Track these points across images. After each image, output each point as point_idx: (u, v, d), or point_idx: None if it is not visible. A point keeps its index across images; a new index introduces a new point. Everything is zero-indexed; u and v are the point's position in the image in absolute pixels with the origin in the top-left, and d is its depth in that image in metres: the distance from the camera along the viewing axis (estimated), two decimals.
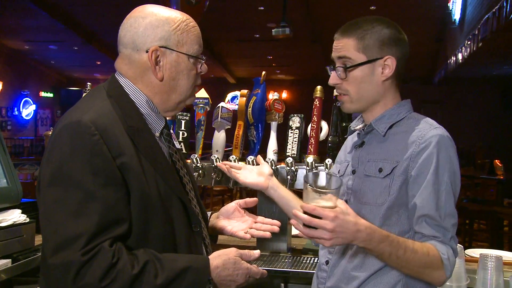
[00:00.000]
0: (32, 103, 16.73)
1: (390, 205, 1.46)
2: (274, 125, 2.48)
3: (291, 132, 2.46)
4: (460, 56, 8.98)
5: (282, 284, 2.22)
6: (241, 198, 7.81)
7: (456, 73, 11.14)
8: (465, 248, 2.12)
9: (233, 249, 1.43)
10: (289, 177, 2.34)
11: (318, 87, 2.38)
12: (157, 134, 1.44)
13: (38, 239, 2.52)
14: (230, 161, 2.43)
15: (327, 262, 1.59)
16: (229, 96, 2.75)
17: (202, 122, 2.58)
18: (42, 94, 17.49)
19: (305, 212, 1.29)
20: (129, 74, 1.42)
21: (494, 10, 6.04)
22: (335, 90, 2.23)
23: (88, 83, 2.77)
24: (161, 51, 1.38)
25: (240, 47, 13.37)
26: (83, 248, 1.17)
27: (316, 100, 2.38)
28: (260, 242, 2.45)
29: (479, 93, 15.42)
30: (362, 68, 1.50)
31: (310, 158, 2.32)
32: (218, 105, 2.54)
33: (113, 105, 1.35)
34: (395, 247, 1.36)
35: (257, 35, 12.24)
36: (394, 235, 1.39)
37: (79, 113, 1.30)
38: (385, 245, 1.35)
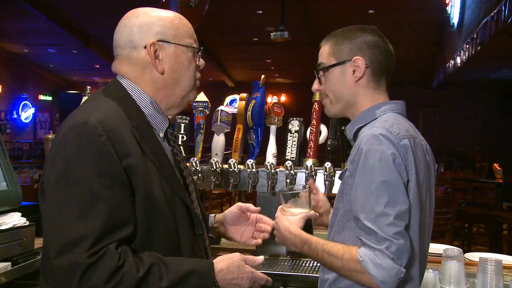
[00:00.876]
0: (31, 106, 16.72)
1: (344, 209, 1.47)
2: (273, 128, 2.48)
3: (290, 136, 2.47)
4: (458, 59, 9.00)
5: None
6: (239, 201, 7.79)
7: (455, 76, 11.15)
8: (464, 252, 2.12)
9: (237, 254, 1.43)
10: (288, 180, 2.35)
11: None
12: (161, 134, 1.46)
13: (38, 242, 2.52)
14: (230, 164, 2.44)
15: None
16: (228, 99, 2.76)
17: (202, 126, 2.59)
18: (41, 97, 17.48)
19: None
20: (130, 75, 1.43)
21: (492, 14, 6.05)
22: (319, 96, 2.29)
23: (88, 86, 2.78)
24: (159, 45, 1.39)
25: (238, 50, 13.39)
26: (89, 250, 1.17)
27: (315, 103, 2.39)
28: (260, 246, 2.45)
29: (478, 96, 15.45)
30: (332, 70, 1.54)
31: (309, 162, 2.33)
32: (218, 109, 2.54)
33: (117, 107, 1.36)
34: (314, 250, 1.47)
35: (255, 39, 12.26)
36: (316, 238, 1.49)
37: (85, 114, 1.29)
38: (306, 248, 1.50)
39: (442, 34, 11.77)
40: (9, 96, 15.76)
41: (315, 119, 2.38)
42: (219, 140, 2.52)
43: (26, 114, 16.63)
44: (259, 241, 1.73)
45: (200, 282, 1.30)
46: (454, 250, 1.92)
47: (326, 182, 2.29)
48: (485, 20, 6.50)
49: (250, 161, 2.42)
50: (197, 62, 1.48)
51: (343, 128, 2.33)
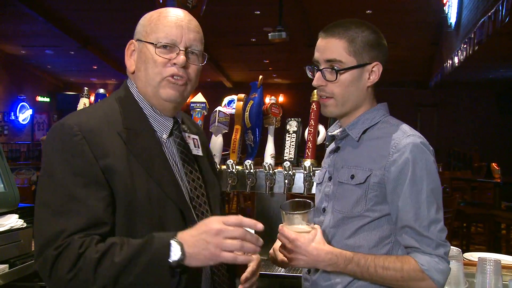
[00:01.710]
0: (28, 107, 16.70)
1: (368, 214, 1.45)
2: (271, 129, 2.48)
3: (289, 136, 2.46)
4: (456, 59, 9.01)
5: None
6: (238, 202, 7.71)
7: (452, 76, 11.17)
8: (463, 252, 2.12)
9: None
10: (286, 181, 2.34)
11: (315, 91, 2.39)
12: (165, 136, 1.43)
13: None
14: (228, 165, 2.43)
15: (309, 271, 1.59)
16: (226, 100, 2.75)
17: (200, 126, 2.58)
18: (39, 98, 17.46)
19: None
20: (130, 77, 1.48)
21: (489, 14, 6.06)
22: (315, 92, 2.23)
23: (85, 87, 2.77)
24: (134, 44, 1.43)
25: (236, 51, 13.39)
26: (56, 244, 1.19)
27: (314, 104, 2.38)
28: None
29: (475, 96, 15.48)
30: (351, 72, 1.47)
31: (307, 162, 2.32)
32: (215, 110, 2.54)
33: (115, 109, 1.37)
34: (363, 266, 1.40)
35: (253, 39, 12.26)
36: (362, 254, 1.41)
37: (68, 117, 1.33)
38: (352, 266, 1.40)
39: (439, 34, 11.79)
40: (6, 97, 15.74)
41: (313, 120, 2.37)
42: (217, 141, 2.51)
43: (24, 115, 16.61)
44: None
45: (157, 245, 1.17)
46: (453, 250, 1.91)
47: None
48: (482, 20, 6.50)
49: (248, 162, 2.41)
50: (173, 60, 1.39)
51: None
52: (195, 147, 1.54)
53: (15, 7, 9.91)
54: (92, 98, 2.74)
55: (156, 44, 1.38)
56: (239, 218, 1.22)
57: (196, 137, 1.57)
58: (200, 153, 1.55)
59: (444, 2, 9.79)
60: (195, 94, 2.26)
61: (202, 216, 1.41)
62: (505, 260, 2.28)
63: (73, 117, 1.32)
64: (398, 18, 10.01)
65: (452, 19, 9.55)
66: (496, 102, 15.27)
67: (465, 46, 7.94)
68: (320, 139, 2.39)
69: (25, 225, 2.28)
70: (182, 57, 1.38)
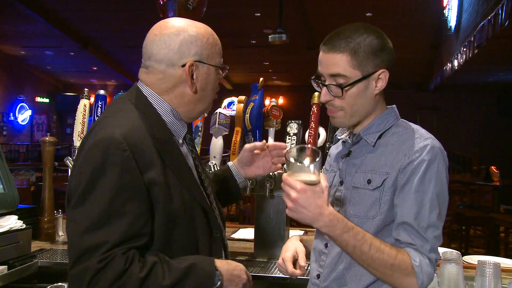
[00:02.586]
0: (28, 108, 16.70)
1: (382, 217, 1.43)
2: (271, 131, 2.48)
3: (289, 139, 2.46)
4: (456, 62, 9.02)
5: None
6: (237, 204, 7.69)
7: (452, 79, 11.18)
8: (462, 255, 2.12)
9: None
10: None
11: (316, 94, 2.38)
12: (180, 140, 1.50)
13: (34, 245, 2.51)
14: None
15: (318, 276, 1.57)
16: (226, 102, 2.75)
17: (200, 128, 2.58)
18: (38, 99, 17.46)
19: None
20: (157, 87, 1.46)
21: (489, 17, 6.07)
22: (316, 94, 2.25)
23: (85, 88, 2.77)
24: (195, 65, 1.45)
25: (236, 53, 13.39)
26: (100, 257, 1.21)
27: (314, 106, 2.38)
28: (258, 249, 2.44)
29: (475, 99, 15.49)
30: (358, 85, 1.44)
31: None
32: (216, 111, 2.54)
33: (141, 118, 1.40)
34: (360, 240, 1.35)
35: (253, 41, 12.28)
36: (362, 230, 1.38)
37: (111, 128, 1.33)
38: (348, 236, 1.35)
39: (439, 37, 11.80)
40: (6, 98, 15.74)
41: (313, 122, 2.37)
42: (217, 143, 2.51)
43: (23, 116, 16.61)
44: (279, 165, 1.83)
45: (203, 272, 1.33)
46: (452, 253, 1.91)
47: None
48: (482, 23, 6.51)
49: None
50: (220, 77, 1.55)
51: None
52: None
53: (15, 8, 9.92)
54: (92, 99, 2.74)
55: (219, 66, 1.51)
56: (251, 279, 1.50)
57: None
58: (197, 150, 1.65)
59: (444, 5, 9.81)
60: None
61: (214, 212, 1.52)
62: (504, 263, 2.28)
63: (117, 129, 1.32)
64: (398, 21, 10.02)
65: (452, 22, 9.55)
66: (496, 105, 15.29)
67: (465, 49, 7.94)
68: (320, 141, 2.39)
69: (24, 226, 2.28)
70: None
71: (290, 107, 16.60)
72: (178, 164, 1.42)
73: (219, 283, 1.35)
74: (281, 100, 17.17)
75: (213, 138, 2.53)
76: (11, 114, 16.09)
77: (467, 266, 2.18)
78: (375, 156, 1.49)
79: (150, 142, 1.35)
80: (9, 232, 2.18)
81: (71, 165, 2.43)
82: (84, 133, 2.51)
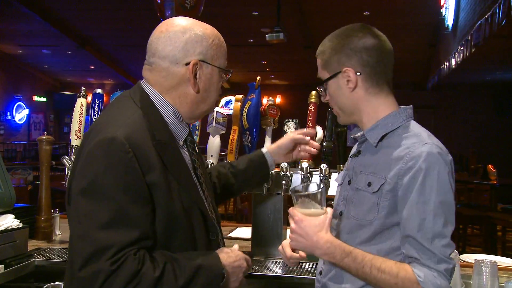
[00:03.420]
0: (25, 107, 16.65)
1: (380, 222, 1.42)
2: (269, 130, 2.48)
3: None
4: (453, 61, 9.03)
5: None
6: (235, 203, 7.70)
7: (449, 78, 11.20)
8: (459, 253, 2.12)
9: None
10: (283, 182, 2.34)
11: (313, 92, 2.38)
12: (181, 142, 1.50)
13: (31, 245, 2.51)
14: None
15: (320, 273, 1.58)
16: (223, 100, 2.75)
17: (197, 127, 2.58)
18: (35, 98, 17.41)
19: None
20: (160, 85, 1.46)
21: (486, 17, 6.08)
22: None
23: (82, 87, 2.76)
24: (199, 65, 1.46)
25: (234, 52, 13.36)
26: (111, 258, 1.21)
27: (311, 105, 2.38)
28: (255, 248, 2.44)
29: (472, 98, 15.51)
30: (330, 84, 1.53)
31: (305, 163, 2.32)
32: (213, 110, 2.53)
33: (143, 118, 1.39)
34: (360, 263, 1.37)
35: (251, 40, 12.27)
36: (361, 251, 1.39)
37: (113, 128, 1.32)
38: (348, 260, 1.38)
39: (437, 36, 11.81)
40: (3, 97, 15.70)
41: (310, 121, 2.37)
42: (214, 142, 2.51)
43: (20, 115, 16.57)
44: (314, 150, 1.99)
45: (212, 273, 1.37)
46: None
47: (322, 183, 2.29)
48: (479, 22, 6.52)
49: None
50: (222, 81, 1.56)
51: (339, 130, 2.33)
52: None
53: (12, 7, 9.89)
54: (89, 98, 2.74)
55: (226, 70, 1.54)
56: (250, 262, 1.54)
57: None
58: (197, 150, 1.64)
59: (441, 4, 9.82)
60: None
61: (211, 214, 1.53)
62: (501, 261, 2.28)
63: (120, 130, 1.31)
64: (396, 20, 10.03)
65: (449, 21, 9.56)
66: (493, 104, 15.31)
67: (462, 48, 7.96)
68: (317, 140, 2.39)
69: (21, 225, 2.28)
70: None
71: (288, 106, 16.60)
72: (178, 166, 1.42)
73: (224, 278, 1.40)
74: (278, 99, 17.17)
75: (210, 137, 2.53)
76: (8, 113, 16.04)
77: (464, 265, 2.18)
78: (376, 158, 1.48)
79: (151, 144, 1.35)
80: (6, 231, 2.18)
81: (68, 164, 2.43)
82: (81, 132, 2.50)
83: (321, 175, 2.28)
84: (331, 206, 1.58)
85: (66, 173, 2.42)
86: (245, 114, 2.46)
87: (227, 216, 7.69)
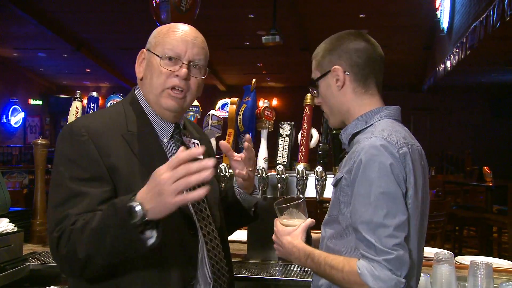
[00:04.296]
0: (20, 110, 16.61)
1: (343, 217, 1.45)
2: (264, 132, 2.48)
3: (282, 140, 2.46)
4: (448, 64, 9.06)
5: None
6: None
7: (445, 80, 11.24)
8: (455, 255, 2.12)
9: None
10: (279, 184, 2.34)
11: (309, 95, 2.39)
12: (166, 140, 1.55)
13: (26, 249, 2.50)
14: (221, 169, 2.43)
15: None
16: (219, 103, 2.75)
17: None
18: (31, 101, 17.37)
19: None
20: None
21: (481, 19, 6.11)
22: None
23: (78, 91, 2.76)
24: (144, 53, 1.56)
25: (230, 54, 13.39)
26: (58, 227, 1.33)
27: (306, 107, 2.39)
28: (251, 251, 2.44)
29: (468, 100, 15.56)
30: (321, 84, 1.58)
31: (300, 166, 2.32)
32: (209, 113, 2.54)
33: (120, 114, 1.51)
34: (316, 263, 1.43)
35: (247, 43, 12.28)
36: (318, 251, 1.46)
37: (78, 119, 1.50)
38: (309, 262, 1.46)
39: (432, 39, 11.86)
40: None
41: (306, 123, 2.38)
42: None
43: (16, 118, 16.52)
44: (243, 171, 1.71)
45: (121, 210, 1.23)
46: (445, 253, 1.92)
47: (318, 186, 2.29)
48: (474, 24, 6.55)
49: None
50: (176, 71, 1.49)
51: (334, 132, 2.33)
52: (194, 146, 1.63)
53: (7, 9, 9.87)
54: (85, 101, 2.73)
55: (161, 56, 1.50)
56: (180, 155, 1.21)
57: (197, 141, 1.65)
58: (201, 157, 1.55)
59: (437, 6, 9.86)
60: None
61: (200, 213, 1.53)
62: (497, 263, 2.29)
63: (81, 120, 1.50)
64: (391, 22, 10.06)
65: (445, 23, 9.60)
66: (489, 106, 15.37)
67: (457, 50, 7.99)
68: (313, 142, 2.40)
69: (16, 229, 2.27)
70: (184, 70, 1.50)
71: (284, 108, 16.61)
72: (150, 157, 1.45)
73: (141, 213, 1.21)
74: (275, 102, 17.18)
75: None
76: (4, 117, 16.00)
77: (460, 267, 2.19)
78: (347, 157, 1.51)
79: (118, 134, 1.45)
80: (1, 235, 2.17)
81: None
82: None
83: (317, 177, 2.29)
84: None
85: None
86: (240, 117, 2.46)
87: None
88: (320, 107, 1.67)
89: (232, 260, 2.35)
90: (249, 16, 10.14)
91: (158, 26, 1.60)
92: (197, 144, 1.64)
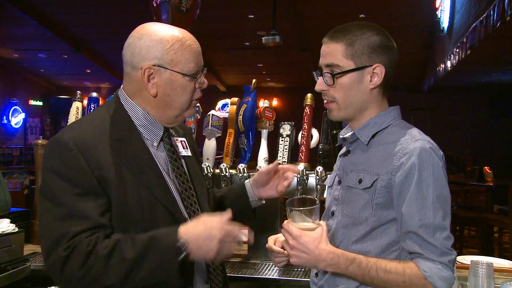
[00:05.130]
0: (21, 111, 16.61)
1: (375, 219, 1.44)
2: (264, 133, 2.48)
3: (282, 140, 2.46)
4: (448, 63, 9.06)
5: None
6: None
7: (445, 80, 11.23)
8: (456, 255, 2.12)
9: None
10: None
11: (309, 95, 2.39)
12: (155, 143, 1.51)
13: (27, 249, 2.50)
14: (221, 169, 2.43)
15: (316, 275, 1.58)
16: (220, 103, 2.75)
17: (193, 130, 2.58)
18: (32, 102, 17.37)
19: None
20: (128, 90, 1.52)
21: (481, 19, 6.10)
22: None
23: (78, 91, 2.76)
24: (154, 69, 1.46)
25: (230, 55, 13.40)
26: (64, 245, 1.29)
27: (307, 107, 2.39)
28: (251, 250, 2.44)
29: (468, 100, 15.56)
30: (350, 75, 1.47)
31: (300, 166, 2.32)
32: (209, 113, 2.54)
33: (105, 120, 1.46)
34: (365, 269, 1.38)
35: (247, 43, 12.27)
36: (364, 256, 1.40)
37: (63, 131, 1.44)
38: (353, 268, 1.38)
39: (432, 38, 11.85)
40: None
41: (306, 123, 2.38)
42: (210, 145, 2.51)
43: (17, 119, 16.52)
44: (286, 184, 1.76)
45: (166, 242, 1.31)
46: None
47: (318, 186, 2.29)
48: (474, 24, 6.55)
49: (241, 166, 2.41)
50: (197, 85, 1.52)
51: (334, 132, 2.34)
52: (183, 149, 1.63)
53: (7, 10, 9.87)
54: (85, 102, 2.74)
55: (184, 74, 1.47)
56: (236, 227, 1.38)
57: (184, 139, 1.66)
58: (189, 153, 1.65)
59: (437, 6, 9.85)
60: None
61: (193, 215, 1.51)
62: (498, 263, 2.29)
63: (67, 132, 1.42)
64: (391, 22, 10.05)
65: (445, 23, 9.60)
66: (489, 105, 15.36)
67: (457, 50, 7.98)
68: (313, 142, 2.40)
69: (16, 229, 2.27)
70: (206, 82, 1.55)
71: (284, 108, 16.62)
72: (139, 164, 1.43)
73: (184, 253, 1.30)
74: (275, 102, 17.18)
75: (206, 140, 2.53)
76: (4, 117, 16.00)
77: (460, 267, 2.19)
78: (368, 156, 1.49)
79: (105, 143, 1.40)
80: (2, 235, 2.17)
81: None
82: None
83: (317, 177, 2.29)
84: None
85: None
86: (240, 117, 2.46)
87: None
88: (322, 106, 1.59)
89: (233, 260, 2.37)
90: (249, 16, 10.13)
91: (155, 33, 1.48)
92: (184, 141, 1.65)
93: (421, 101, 15.92)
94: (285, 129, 2.48)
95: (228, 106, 2.58)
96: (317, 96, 2.00)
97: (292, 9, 9.66)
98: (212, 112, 2.55)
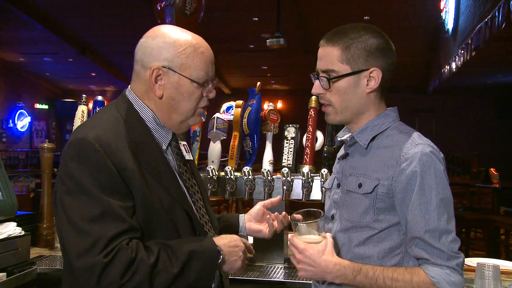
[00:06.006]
0: (27, 115, 16.69)
1: (376, 224, 1.43)
2: (269, 135, 2.48)
3: (287, 143, 2.46)
4: (453, 65, 9.04)
5: None
6: (237, 208, 7.73)
7: (450, 82, 11.20)
8: None
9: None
10: (285, 187, 2.34)
11: (313, 97, 2.39)
12: (164, 147, 1.51)
13: (34, 252, 2.51)
14: (226, 171, 2.44)
15: (318, 281, 1.57)
16: (224, 106, 2.75)
17: (198, 133, 2.58)
18: (37, 106, 17.45)
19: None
20: (137, 89, 1.50)
21: (486, 20, 6.09)
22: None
23: (83, 95, 2.77)
24: (163, 71, 1.44)
25: (234, 57, 13.41)
26: (103, 250, 1.24)
27: (311, 110, 2.39)
28: (257, 253, 2.44)
29: (473, 101, 15.51)
30: (346, 80, 1.46)
31: (305, 168, 2.32)
32: (213, 116, 2.54)
33: (120, 121, 1.43)
34: (372, 278, 1.37)
35: (251, 46, 12.29)
36: (370, 265, 1.40)
37: (85, 129, 1.38)
38: (360, 278, 1.38)
39: (437, 40, 11.83)
40: (5, 105, 15.73)
41: (311, 126, 2.38)
42: (215, 148, 2.51)
43: (22, 123, 16.60)
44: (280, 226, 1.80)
45: (208, 253, 1.38)
46: None
47: (323, 188, 2.29)
48: (479, 25, 6.53)
49: (246, 168, 2.41)
50: (205, 94, 1.51)
51: None
52: (186, 152, 1.64)
53: (13, 14, 9.92)
54: (91, 105, 2.75)
55: (193, 80, 1.46)
56: (249, 244, 1.54)
57: (185, 143, 1.67)
58: (191, 158, 1.67)
59: (441, 8, 9.84)
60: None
61: (203, 218, 1.54)
62: (504, 265, 2.28)
63: (90, 131, 1.36)
64: (396, 24, 10.04)
65: (449, 25, 9.58)
66: (494, 107, 15.31)
67: (462, 51, 7.96)
68: (318, 145, 2.40)
69: (23, 233, 2.28)
70: (214, 92, 1.54)
71: (289, 111, 16.61)
72: (156, 165, 1.43)
73: (221, 258, 1.41)
74: (279, 104, 17.18)
75: (211, 142, 2.53)
76: (10, 121, 16.07)
77: (467, 269, 2.17)
78: (367, 159, 1.48)
79: (125, 144, 1.37)
80: (8, 239, 2.18)
81: None
82: None
83: (322, 180, 2.28)
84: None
85: None
86: (245, 119, 2.46)
87: None
88: (320, 99, 1.55)
89: None
90: (253, 19, 10.15)
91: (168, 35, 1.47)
92: (186, 145, 1.66)
93: (426, 102, 15.88)
94: (290, 132, 2.48)
95: (232, 109, 2.58)
96: None
97: (296, 11, 9.67)
98: (216, 115, 2.55)
